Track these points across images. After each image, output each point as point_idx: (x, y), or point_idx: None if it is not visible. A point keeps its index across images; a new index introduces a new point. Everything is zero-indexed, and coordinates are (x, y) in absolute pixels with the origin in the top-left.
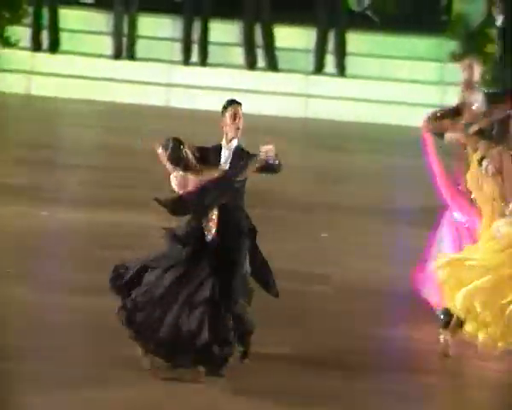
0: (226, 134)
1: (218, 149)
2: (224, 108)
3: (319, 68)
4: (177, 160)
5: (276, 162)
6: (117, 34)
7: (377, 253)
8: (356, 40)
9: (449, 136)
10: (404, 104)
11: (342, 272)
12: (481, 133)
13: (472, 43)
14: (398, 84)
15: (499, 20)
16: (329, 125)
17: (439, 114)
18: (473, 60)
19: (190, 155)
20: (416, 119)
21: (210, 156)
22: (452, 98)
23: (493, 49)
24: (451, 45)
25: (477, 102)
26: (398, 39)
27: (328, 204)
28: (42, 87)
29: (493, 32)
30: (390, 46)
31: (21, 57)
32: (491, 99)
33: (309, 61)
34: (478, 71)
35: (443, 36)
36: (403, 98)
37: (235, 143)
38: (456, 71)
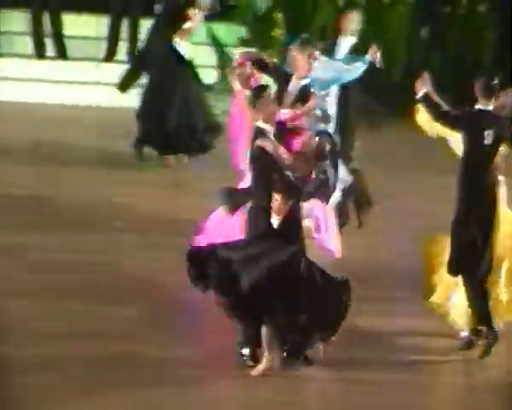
0: None
1: None
2: None
3: (111, 56)
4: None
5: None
6: None
7: None
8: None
9: None
10: None
11: None
12: None
13: (259, 28)
14: None
15: None
16: (124, 113)
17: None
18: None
19: None
20: None
21: None
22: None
23: (279, 33)
24: (240, 31)
25: None
26: None
27: None
28: None
29: (280, 17)
30: None
31: None
32: None
33: (100, 49)
34: None
35: (232, 22)
36: None
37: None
38: None
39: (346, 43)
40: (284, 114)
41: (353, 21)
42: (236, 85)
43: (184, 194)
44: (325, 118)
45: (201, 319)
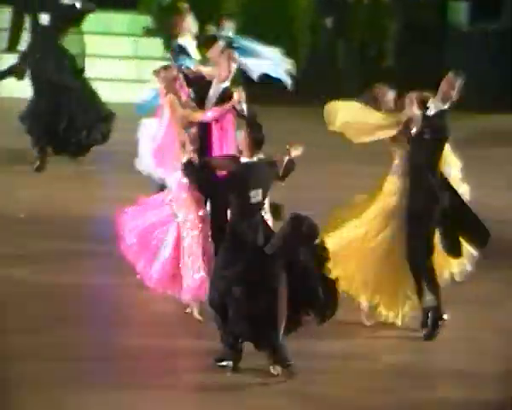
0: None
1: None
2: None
3: (13, 46)
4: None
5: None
6: None
7: None
8: None
9: None
10: (102, 80)
11: None
12: None
13: (164, 18)
14: (96, 59)
15: None
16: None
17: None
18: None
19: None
20: (115, 93)
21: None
22: (147, 72)
23: None
24: (145, 20)
25: None
26: (95, 15)
27: None
28: None
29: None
30: (88, 22)
31: None
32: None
33: (2, 39)
34: None
35: (136, 11)
36: (101, 74)
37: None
38: (150, 45)
39: (186, 43)
40: (211, 113)
41: (191, 22)
42: (161, 87)
43: (89, 187)
44: (250, 114)
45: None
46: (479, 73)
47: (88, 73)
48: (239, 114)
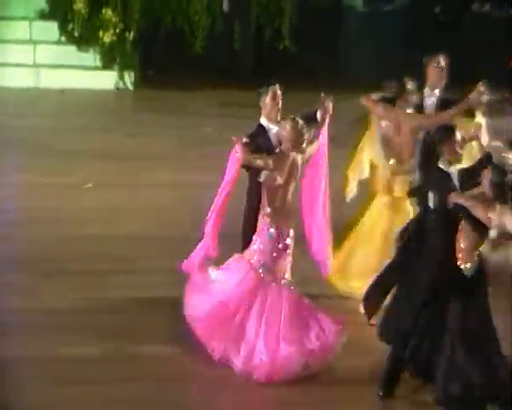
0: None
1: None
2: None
3: None
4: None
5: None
6: None
7: None
8: None
9: None
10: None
11: None
12: None
13: (61, 1)
14: None
15: None
16: None
17: None
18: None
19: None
20: (10, 78)
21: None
22: (43, 57)
23: (81, 7)
24: (40, 3)
25: None
26: None
27: None
28: None
29: None
30: None
31: None
32: None
33: None
34: None
35: None
36: None
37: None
38: (45, 29)
39: None
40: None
41: None
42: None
43: None
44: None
45: None
46: (373, 51)
47: None
48: None
